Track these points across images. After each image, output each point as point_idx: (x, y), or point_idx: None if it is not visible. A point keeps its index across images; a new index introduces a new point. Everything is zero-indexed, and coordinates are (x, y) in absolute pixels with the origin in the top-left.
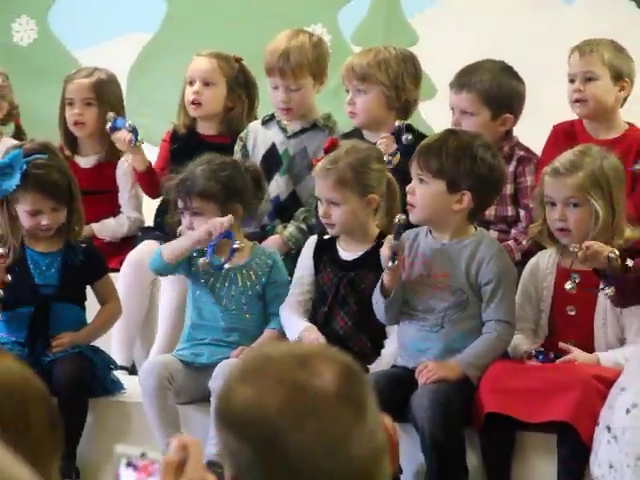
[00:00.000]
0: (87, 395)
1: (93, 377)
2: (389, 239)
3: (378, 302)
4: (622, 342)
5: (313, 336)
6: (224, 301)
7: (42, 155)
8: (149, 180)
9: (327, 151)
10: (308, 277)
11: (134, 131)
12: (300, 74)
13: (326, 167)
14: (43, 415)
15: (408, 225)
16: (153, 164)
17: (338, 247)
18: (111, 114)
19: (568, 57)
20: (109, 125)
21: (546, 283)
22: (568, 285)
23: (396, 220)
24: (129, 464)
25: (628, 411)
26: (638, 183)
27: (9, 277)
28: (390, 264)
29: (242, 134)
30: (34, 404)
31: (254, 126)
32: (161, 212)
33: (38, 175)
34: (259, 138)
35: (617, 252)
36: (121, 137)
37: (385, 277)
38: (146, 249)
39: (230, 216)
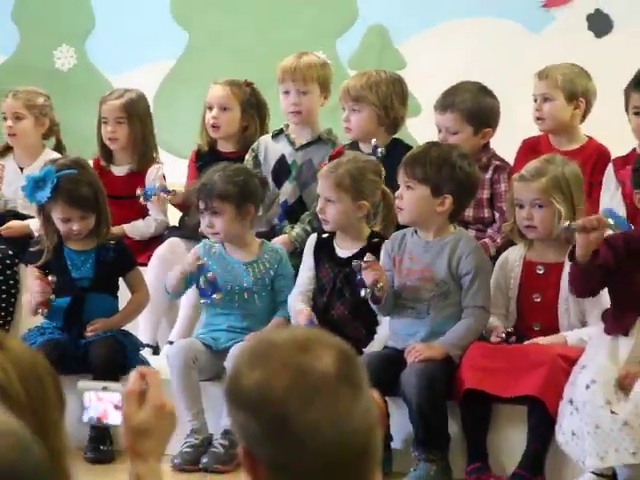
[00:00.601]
0: (119, 373)
1: (123, 357)
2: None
3: (373, 306)
4: (583, 324)
5: (302, 318)
6: (241, 289)
7: (72, 170)
8: (183, 206)
9: (334, 157)
10: (309, 272)
11: (164, 189)
12: (310, 77)
13: (329, 170)
14: (54, 388)
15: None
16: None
17: (335, 245)
18: (139, 191)
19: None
20: (141, 197)
21: (514, 274)
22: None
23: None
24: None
25: (588, 387)
26: (593, 193)
27: (53, 297)
28: (362, 294)
29: (254, 145)
30: (48, 379)
31: (265, 139)
32: (183, 214)
33: (67, 189)
34: (269, 150)
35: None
36: (156, 203)
37: (376, 292)
38: (170, 245)
39: (196, 255)
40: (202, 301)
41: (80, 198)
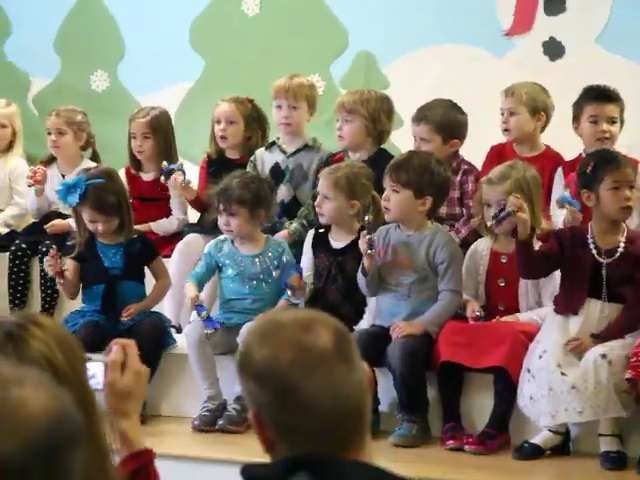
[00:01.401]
0: (162, 348)
1: (165, 333)
2: (364, 234)
3: (361, 280)
4: (539, 305)
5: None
6: (250, 277)
7: (100, 180)
8: (197, 204)
9: (336, 161)
10: (309, 260)
11: (183, 172)
12: (299, 95)
13: (329, 172)
14: (83, 359)
15: (376, 223)
16: (196, 186)
17: (330, 238)
18: (165, 163)
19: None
20: (163, 170)
21: (482, 262)
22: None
23: (366, 220)
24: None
25: (540, 356)
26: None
27: (66, 269)
28: (369, 251)
29: (252, 158)
30: (78, 350)
31: (260, 152)
32: (202, 213)
33: (94, 195)
34: (265, 160)
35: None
36: (174, 181)
37: (365, 262)
38: (190, 240)
39: (191, 296)
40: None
41: (104, 204)
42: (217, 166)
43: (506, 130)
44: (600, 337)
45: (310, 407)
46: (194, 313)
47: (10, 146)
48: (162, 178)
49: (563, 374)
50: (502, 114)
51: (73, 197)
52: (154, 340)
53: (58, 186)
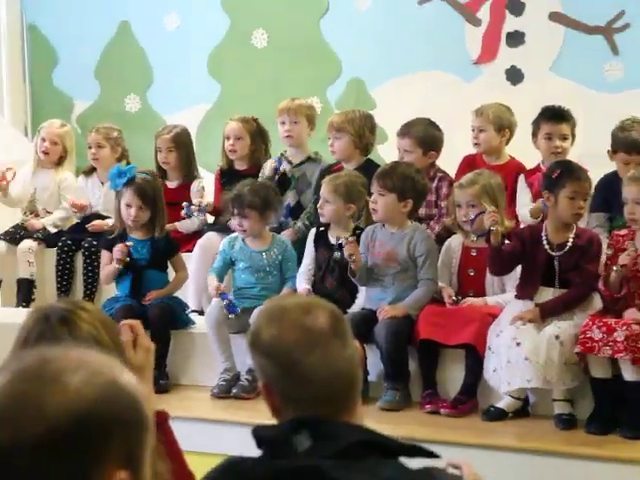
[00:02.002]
0: (170, 328)
1: (174, 315)
2: (348, 241)
3: (352, 278)
4: (503, 291)
5: (303, 290)
6: (258, 270)
7: (147, 175)
8: (214, 212)
9: (334, 171)
10: (310, 254)
11: (199, 212)
12: (299, 112)
13: (331, 179)
14: (119, 338)
15: (367, 223)
16: (212, 196)
17: (329, 235)
18: (183, 211)
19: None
20: (184, 212)
21: (455, 255)
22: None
23: (345, 238)
24: None
25: (498, 335)
26: (513, 203)
27: (128, 259)
28: (351, 258)
29: (264, 166)
30: (117, 331)
31: (269, 162)
32: (218, 216)
33: (137, 182)
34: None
35: (500, 229)
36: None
37: (351, 265)
38: (209, 238)
39: (213, 287)
40: (230, 316)
41: (143, 192)
42: (228, 177)
43: (476, 144)
44: (542, 309)
45: (310, 378)
46: (214, 299)
47: (60, 161)
48: (182, 213)
49: (518, 344)
50: (473, 130)
51: (121, 180)
52: (160, 322)
53: (100, 191)
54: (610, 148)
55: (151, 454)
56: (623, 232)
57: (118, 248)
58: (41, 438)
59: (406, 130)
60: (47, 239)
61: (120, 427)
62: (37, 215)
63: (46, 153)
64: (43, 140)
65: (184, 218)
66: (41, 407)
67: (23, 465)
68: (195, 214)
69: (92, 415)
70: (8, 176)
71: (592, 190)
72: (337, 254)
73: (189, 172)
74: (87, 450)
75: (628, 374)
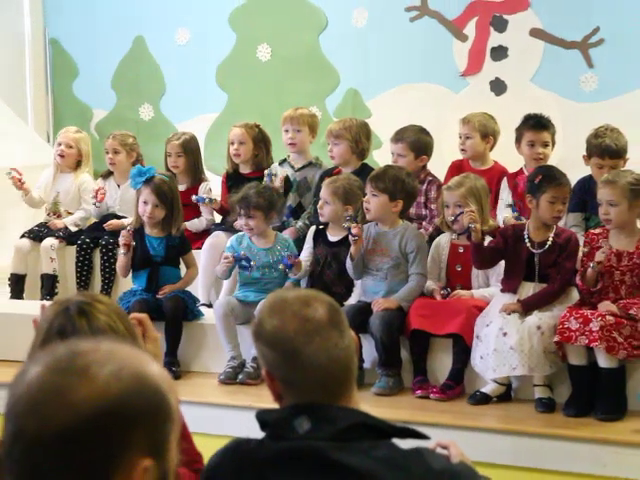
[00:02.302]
0: (182, 320)
1: (186, 308)
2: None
3: (349, 266)
4: (487, 285)
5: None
6: (263, 266)
7: (165, 177)
8: (221, 211)
9: (334, 175)
10: (308, 249)
11: (209, 199)
12: (302, 121)
13: (330, 182)
14: (133, 327)
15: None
16: (220, 198)
17: (327, 233)
18: (194, 197)
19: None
20: (194, 199)
21: (444, 252)
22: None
23: (351, 214)
24: None
25: (487, 325)
26: (495, 205)
27: (134, 243)
28: (353, 238)
29: (269, 170)
30: (129, 320)
31: (274, 166)
32: (225, 216)
33: (155, 181)
34: (278, 172)
35: (478, 227)
36: (203, 206)
37: (352, 249)
38: (217, 237)
39: (226, 256)
40: (246, 273)
41: (160, 190)
42: (234, 181)
43: (463, 150)
44: (524, 303)
45: (309, 365)
46: (221, 294)
47: (78, 165)
48: (193, 199)
49: (505, 334)
50: (460, 137)
51: (141, 178)
52: (174, 313)
53: (117, 193)
54: (585, 153)
55: (177, 442)
56: (598, 231)
57: (122, 234)
58: (67, 428)
59: (399, 136)
60: (68, 237)
61: (145, 419)
62: (59, 216)
63: (62, 156)
64: (59, 144)
65: (195, 216)
66: (69, 398)
67: (49, 453)
68: (206, 200)
69: (118, 407)
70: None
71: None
72: (346, 224)
73: (196, 176)
74: (112, 441)
75: (602, 361)
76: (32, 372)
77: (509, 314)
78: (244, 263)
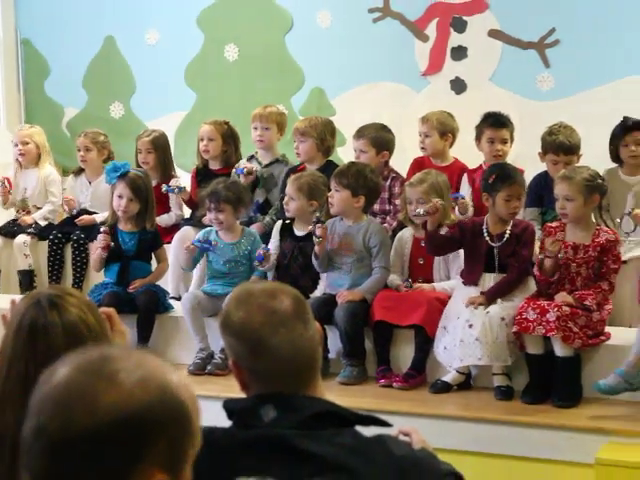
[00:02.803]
0: (154, 312)
1: (158, 301)
2: (314, 226)
3: (315, 262)
4: (448, 277)
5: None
6: (229, 260)
7: (139, 172)
8: (190, 203)
9: (299, 171)
10: (276, 243)
11: (178, 188)
12: (270, 120)
13: (295, 178)
14: (103, 319)
15: (323, 219)
16: (189, 190)
17: (294, 228)
18: (164, 187)
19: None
20: (164, 189)
21: (407, 246)
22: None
23: (317, 215)
24: None
25: (458, 317)
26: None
27: (112, 244)
28: (317, 240)
29: (236, 166)
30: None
31: (242, 162)
32: (194, 210)
33: (130, 176)
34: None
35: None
36: (172, 196)
37: (316, 248)
38: (186, 231)
39: (188, 246)
40: (208, 250)
41: (134, 185)
42: (203, 176)
43: (423, 148)
44: (487, 294)
45: (274, 356)
46: (190, 288)
47: (39, 158)
48: (163, 190)
49: (470, 326)
50: (420, 136)
51: (115, 174)
52: (147, 307)
53: (88, 190)
54: (540, 150)
55: (193, 460)
56: (555, 224)
57: (100, 238)
58: (89, 431)
59: (361, 132)
60: (39, 233)
61: (166, 430)
62: (28, 212)
63: (23, 154)
64: (16, 145)
65: (164, 212)
66: (94, 402)
67: (69, 454)
68: (175, 190)
69: (140, 417)
70: (8, 190)
71: (526, 188)
72: (311, 227)
73: (166, 172)
74: (131, 448)
75: (559, 350)
76: (61, 372)
77: (476, 308)
78: (205, 245)
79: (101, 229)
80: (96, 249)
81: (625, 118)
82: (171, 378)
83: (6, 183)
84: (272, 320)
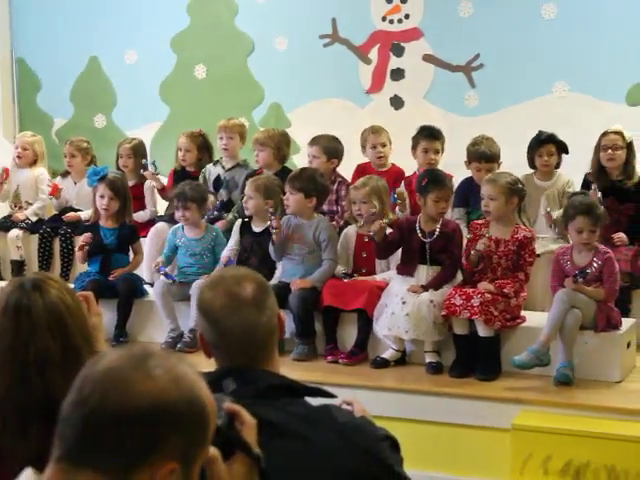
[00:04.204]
0: (133, 297)
1: (136, 288)
2: (270, 218)
3: (271, 249)
4: (388, 268)
5: (224, 258)
6: (195, 253)
7: (118, 174)
8: (163, 193)
9: (257, 174)
10: (235, 238)
11: (155, 166)
12: (233, 130)
13: (253, 180)
14: (80, 301)
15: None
16: (165, 186)
17: (252, 225)
18: (144, 160)
19: (366, 133)
20: (143, 164)
21: (352, 241)
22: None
23: (271, 210)
24: None
25: (396, 295)
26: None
27: (89, 242)
28: (273, 230)
29: (203, 170)
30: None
31: (208, 167)
32: (168, 207)
33: (109, 178)
34: (211, 172)
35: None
36: (148, 173)
37: (273, 237)
38: (159, 226)
39: (156, 262)
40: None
41: (114, 185)
42: (179, 176)
43: (380, 157)
44: (427, 286)
45: (228, 335)
46: (160, 277)
47: (34, 162)
48: (142, 171)
49: (404, 303)
50: (372, 147)
51: (96, 177)
52: (127, 293)
53: (73, 190)
54: (466, 159)
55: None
56: (480, 221)
57: (83, 238)
58: (122, 412)
59: (316, 141)
60: (30, 228)
61: (188, 427)
62: (21, 207)
63: (19, 157)
64: (17, 147)
65: (140, 208)
66: (130, 388)
67: (100, 427)
68: (153, 167)
69: (169, 408)
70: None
71: (454, 191)
72: (271, 222)
73: (143, 175)
74: (153, 436)
75: (481, 331)
76: (108, 358)
77: (418, 296)
78: (168, 276)
79: (83, 235)
80: (79, 249)
81: (539, 132)
82: (200, 385)
83: (3, 173)
84: (231, 304)
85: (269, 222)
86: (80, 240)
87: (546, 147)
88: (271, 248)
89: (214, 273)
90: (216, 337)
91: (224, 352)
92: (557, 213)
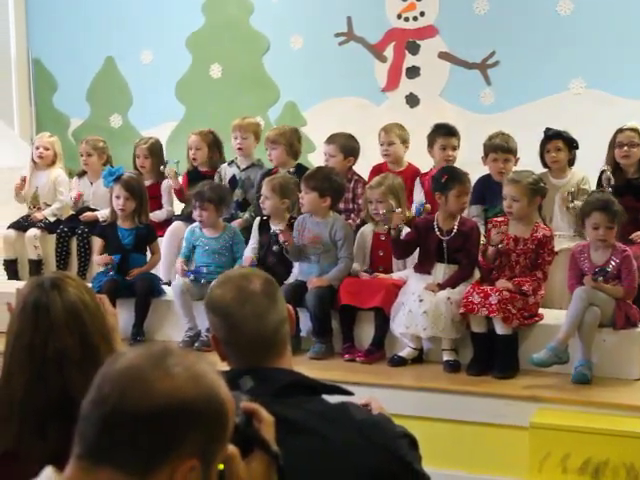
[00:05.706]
0: (151, 296)
1: (154, 288)
2: (281, 232)
3: (287, 254)
4: (405, 267)
5: (247, 261)
6: (213, 252)
7: (132, 174)
8: (180, 194)
9: (272, 173)
10: (255, 237)
11: (177, 166)
12: (248, 130)
13: (269, 180)
14: (98, 300)
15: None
16: (182, 186)
17: (270, 223)
18: (167, 160)
19: (379, 133)
20: (166, 162)
21: (368, 239)
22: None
23: (276, 229)
24: None
25: (413, 293)
26: (411, 198)
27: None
28: (285, 244)
29: (219, 169)
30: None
31: (224, 166)
32: (186, 206)
33: (124, 178)
34: (227, 172)
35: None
36: (171, 170)
37: (286, 247)
38: (176, 226)
39: (180, 267)
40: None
41: (129, 185)
42: (193, 176)
43: (385, 155)
44: (443, 285)
45: (241, 327)
46: (178, 275)
47: (53, 162)
48: (161, 167)
49: (421, 301)
50: (382, 145)
51: (111, 177)
52: (144, 292)
53: (89, 190)
54: (482, 155)
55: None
56: (500, 218)
57: (103, 260)
58: (141, 411)
59: (332, 139)
60: (48, 227)
61: (207, 424)
62: (39, 208)
63: (41, 157)
64: (37, 148)
65: (157, 208)
66: (149, 386)
67: (120, 425)
68: (175, 164)
69: (188, 406)
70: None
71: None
72: (275, 247)
73: (160, 174)
74: (174, 433)
75: (499, 329)
76: (127, 357)
77: (435, 293)
78: (188, 273)
79: (101, 258)
80: (100, 245)
81: (547, 129)
82: (219, 383)
83: (22, 182)
84: (240, 296)
85: (277, 230)
86: (101, 261)
87: (553, 143)
88: (286, 253)
89: (221, 275)
90: (227, 331)
91: (236, 348)
92: (573, 205)
